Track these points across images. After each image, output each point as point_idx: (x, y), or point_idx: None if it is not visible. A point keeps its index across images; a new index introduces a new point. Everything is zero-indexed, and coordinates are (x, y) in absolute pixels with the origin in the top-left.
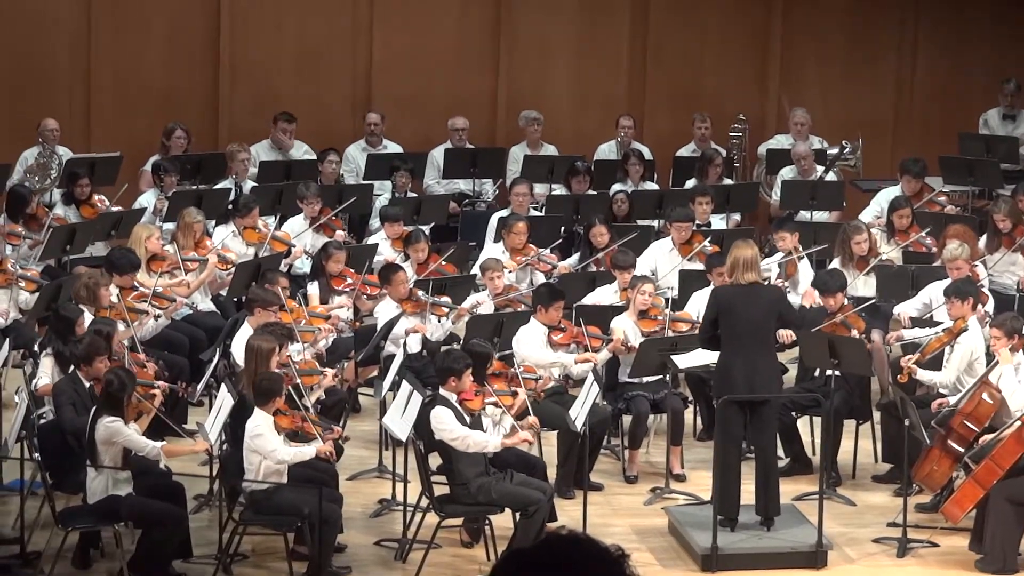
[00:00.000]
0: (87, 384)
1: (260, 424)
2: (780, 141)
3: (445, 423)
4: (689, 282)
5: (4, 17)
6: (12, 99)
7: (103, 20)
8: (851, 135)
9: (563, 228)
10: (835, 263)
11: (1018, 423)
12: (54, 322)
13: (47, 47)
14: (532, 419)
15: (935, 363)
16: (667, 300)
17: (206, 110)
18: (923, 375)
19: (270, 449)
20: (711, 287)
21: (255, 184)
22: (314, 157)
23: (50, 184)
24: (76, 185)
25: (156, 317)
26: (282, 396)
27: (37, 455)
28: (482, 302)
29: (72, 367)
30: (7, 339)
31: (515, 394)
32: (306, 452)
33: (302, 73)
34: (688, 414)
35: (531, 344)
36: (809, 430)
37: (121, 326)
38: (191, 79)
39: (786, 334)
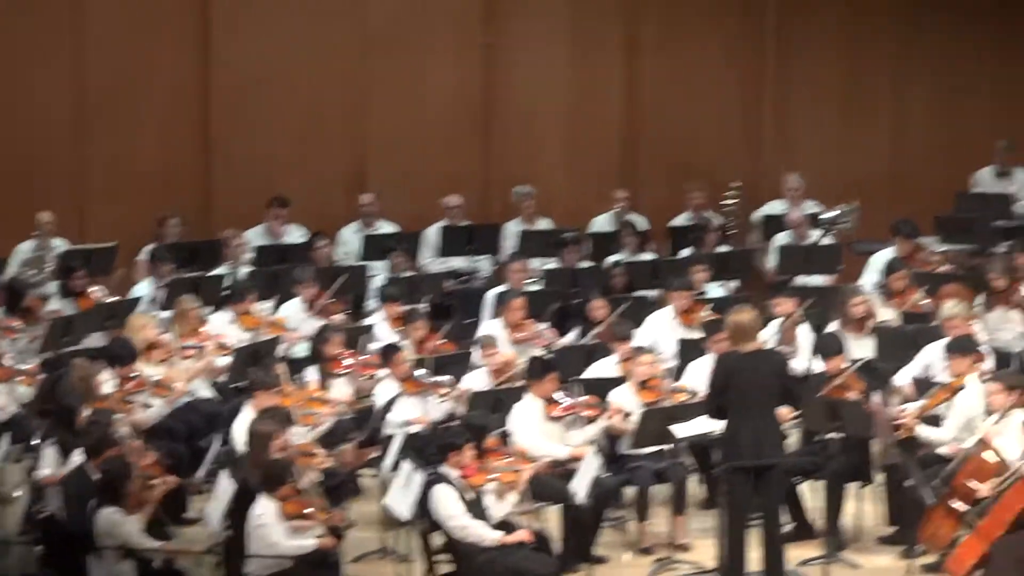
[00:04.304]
0: (95, 476)
1: (265, 513)
2: (774, 207)
3: (446, 507)
4: (688, 351)
5: None
6: (6, 193)
7: (95, 112)
8: (846, 198)
9: (553, 304)
10: (833, 326)
11: (1019, 476)
12: (57, 412)
13: (41, 140)
14: (526, 506)
15: (933, 421)
16: (667, 370)
17: (200, 197)
18: (922, 432)
19: (272, 541)
20: (710, 355)
21: (251, 269)
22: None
23: (46, 277)
24: (72, 277)
25: (146, 406)
26: (289, 483)
27: (39, 547)
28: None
29: (82, 459)
30: (5, 434)
31: (517, 471)
32: (307, 545)
33: (295, 156)
34: (690, 482)
35: (527, 426)
36: (812, 495)
37: (117, 416)
38: (184, 166)
39: (786, 412)
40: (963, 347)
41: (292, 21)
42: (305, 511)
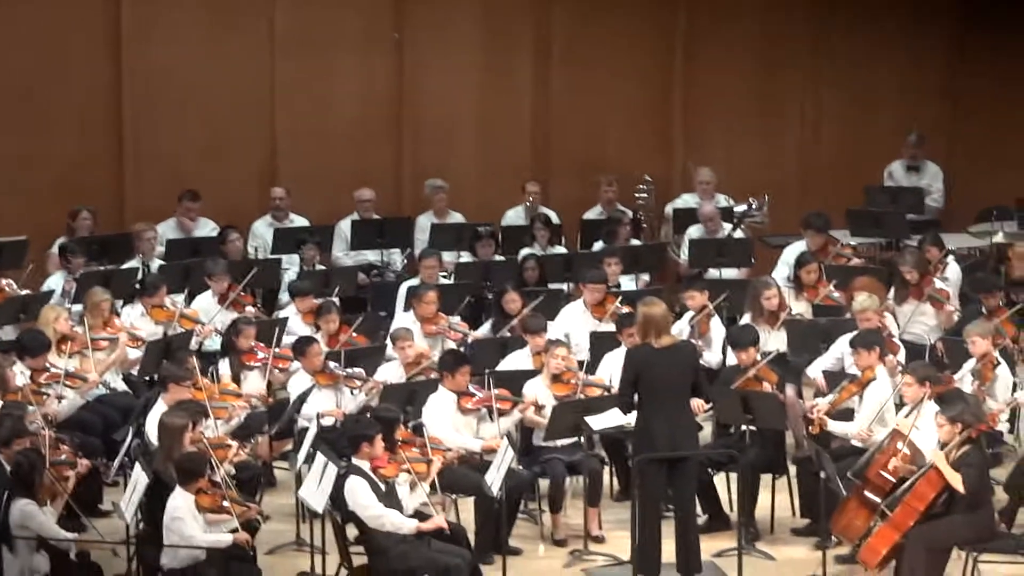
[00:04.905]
0: (8, 468)
1: (180, 506)
2: (686, 200)
3: (360, 497)
4: (601, 344)
5: None
6: None
7: (5, 106)
8: (757, 192)
9: (469, 296)
10: (746, 319)
11: (930, 466)
12: None
13: None
14: (440, 497)
15: (847, 414)
16: (581, 363)
17: (111, 191)
18: (834, 427)
19: (188, 535)
20: (623, 348)
21: (162, 263)
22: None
23: None
24: None
25: (59, 398)
26: (205, 476)
27: None
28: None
29: None
30: None
31: (429, 462)
32: (223, 540)
33: (206, 150)
34: (605, 474)
35: (440, 419)
36: (726, 486)
37: (30, 408)
38: (95, 161)
39: (699, 405)
40: (867, 341)
41: (202, 18)
42: (220, 504)
